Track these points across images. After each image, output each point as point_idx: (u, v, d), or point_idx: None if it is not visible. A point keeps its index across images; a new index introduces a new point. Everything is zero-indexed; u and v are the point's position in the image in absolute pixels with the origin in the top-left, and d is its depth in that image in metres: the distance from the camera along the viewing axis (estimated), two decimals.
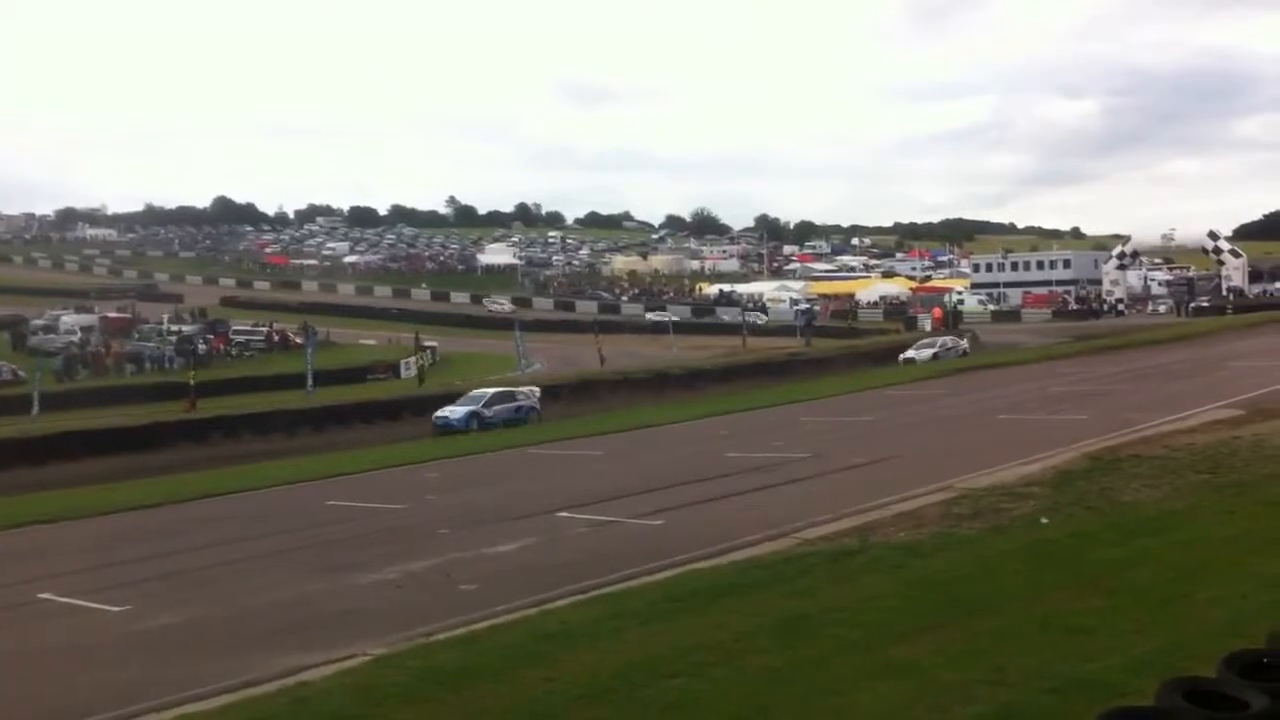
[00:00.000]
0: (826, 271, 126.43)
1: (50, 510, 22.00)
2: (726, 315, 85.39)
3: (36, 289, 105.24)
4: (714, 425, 28.79)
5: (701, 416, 31.03)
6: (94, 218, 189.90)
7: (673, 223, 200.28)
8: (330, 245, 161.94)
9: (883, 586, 9.97)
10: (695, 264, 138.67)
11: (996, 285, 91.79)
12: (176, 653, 10.59)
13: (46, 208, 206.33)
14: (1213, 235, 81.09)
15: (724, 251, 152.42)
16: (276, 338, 77.84)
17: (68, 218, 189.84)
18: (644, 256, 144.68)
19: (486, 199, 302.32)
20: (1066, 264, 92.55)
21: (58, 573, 15.18)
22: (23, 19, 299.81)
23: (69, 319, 79.66)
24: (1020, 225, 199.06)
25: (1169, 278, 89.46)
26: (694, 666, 8.02)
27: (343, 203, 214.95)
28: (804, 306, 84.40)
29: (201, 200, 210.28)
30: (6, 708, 9.13)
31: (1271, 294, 77.34)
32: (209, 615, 12.14)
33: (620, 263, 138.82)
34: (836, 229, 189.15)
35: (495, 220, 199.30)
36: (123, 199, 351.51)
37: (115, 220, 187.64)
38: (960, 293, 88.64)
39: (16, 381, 58.73)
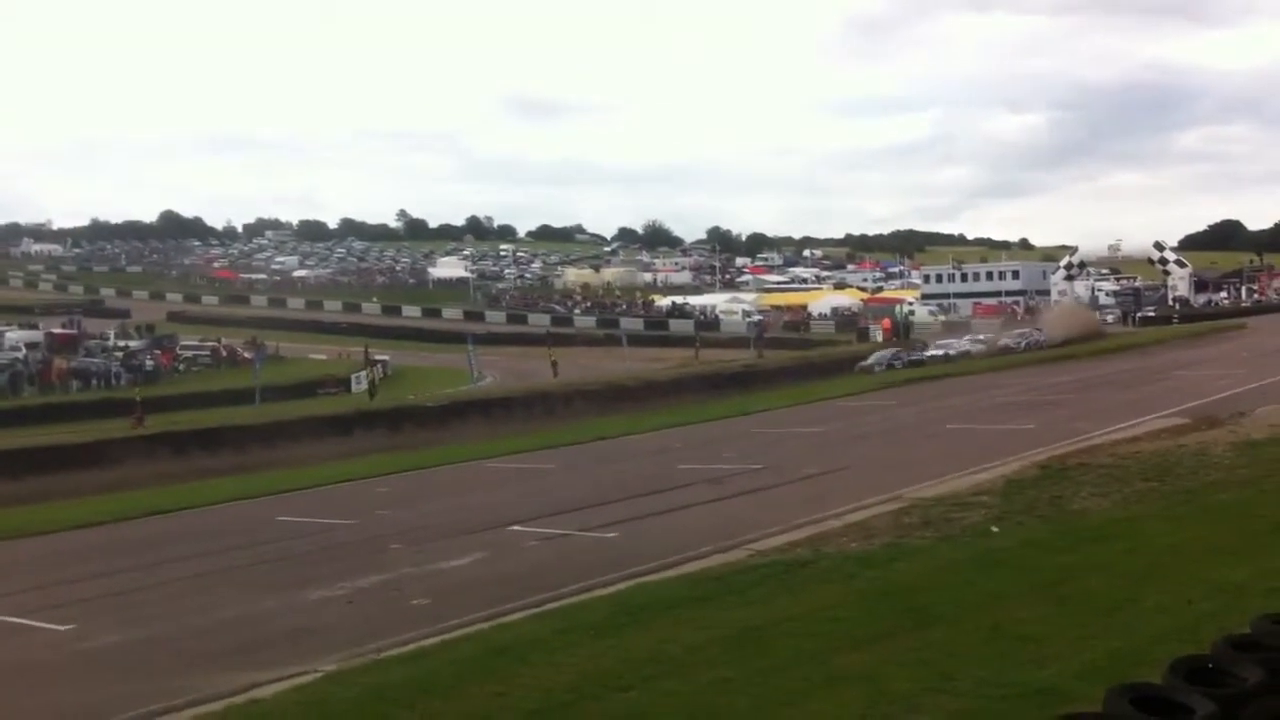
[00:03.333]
0: (779, 283, 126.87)
1: None
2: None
3: None
4: (667, 437, 28.84)
5: (655, 429, 31.06)
6: (39, 233, 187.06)
7: (625, 235, 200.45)
8: (279, 259, 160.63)
9: (835, 597, 10.01)
10: (648, 276, 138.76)
11: (947, 296, 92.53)
12: (124, 672, 10.43)
13: None
14: (1158, 246, 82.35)
15: (676, 264, 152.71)
16: (225, 353, 77.11)
17: (11, 233, 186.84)
18: (596, 269, 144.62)
19: (437, 213, 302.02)
20: (1015, 275, 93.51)
21: (1, 592, 14.91)
22: None
23: (13, 335, 78.34)
24: (970, 236, 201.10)
25: (1116, 288, 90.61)
26: (646, 679, 8.01)
27: (292, 216, 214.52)
28: (756, 318, 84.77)
29: (148, 215, 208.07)
30: None
31: (1216, 304, 78.66)
32: (157, 634, 11.96)
33: (573, 275, 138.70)
34: (788, 241, 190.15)
35: (447, 234, 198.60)
36: (68, 213, 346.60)
37: (60, 235, 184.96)
38: (911, 304, 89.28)
39: None
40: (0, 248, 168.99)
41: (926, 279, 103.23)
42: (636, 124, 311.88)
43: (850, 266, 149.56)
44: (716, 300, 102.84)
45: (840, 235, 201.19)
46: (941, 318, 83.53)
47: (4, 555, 18.92)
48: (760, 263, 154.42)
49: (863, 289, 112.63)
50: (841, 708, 7.02)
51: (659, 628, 9.51)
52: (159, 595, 14.21)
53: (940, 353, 51.18)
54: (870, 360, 50.56)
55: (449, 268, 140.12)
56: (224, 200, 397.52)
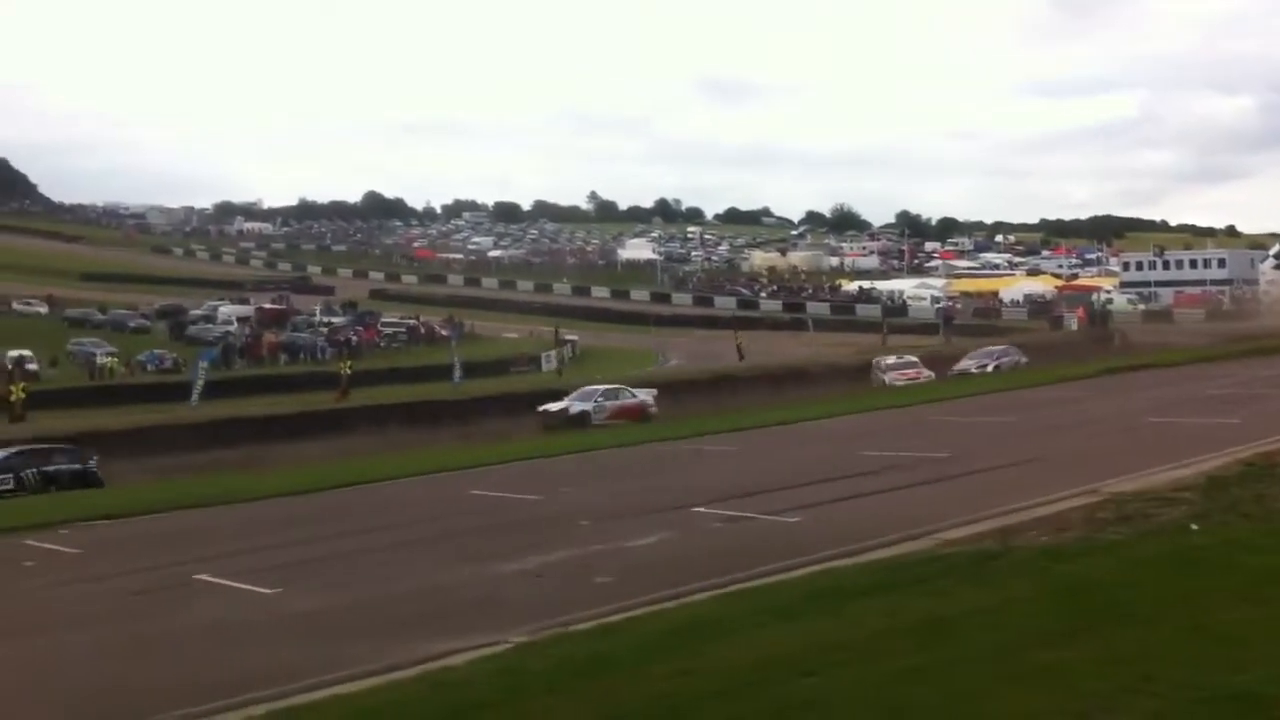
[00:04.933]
0: (969, 269, 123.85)
1: (205, 494, 22.95)
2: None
3: (195, 280, 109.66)
4: (851, 423, 28.54)
5: (838, 414, 30.76)
6: (250, 212, 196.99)
7: (812, 219, 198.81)
8: (475, 240, 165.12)
9: (1025, 590, 9.77)
10: (834, 260, 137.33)
11: (1147, 284, 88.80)
12: (324, 635, 10.92)
13: (205, 202, 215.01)
14: None
15: (864, 248, 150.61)
16: (423, 330, 79.65)
17: (225, 211, 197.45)
18: (783, 253, 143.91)
19: (627, 195, 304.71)
20: (1221, 263, 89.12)
21: (212, 555, 15.81)
22: (182, 24, 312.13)
23: (226, 309, 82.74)
24: (1173, 223, 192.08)
25: None
26: (830, 665, 7.97)
27: (488, 198, 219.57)
28: (944, 304, 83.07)
29: (353, 195, 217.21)
30: (167, 683, 9.52)
31: None
32: (355, 599, 12.48)
33: (759, 259, 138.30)
34: (979, 226, 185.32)
35: (635, 216, 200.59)
36: (278, 193, 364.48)
37: (270, 214, 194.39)
38: (1109, 292, 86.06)
39: (176, 370, 61.28)
40: (214, 226, 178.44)
41: (1125, 266, 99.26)
42: (826, 106, 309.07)
43: (1044, 252, 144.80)
44: (904, 285, 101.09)
45: (1034, 220, 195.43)
46: (1141, 306, 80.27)
47: (214, 520, 20.14)
48: (950, 248, 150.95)
49: (1057, 276, 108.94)
50: (1031, 704, 6.87)
51: (843, 614, 9.45)
52: (357, 562, 14.86)
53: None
54: (966, 363, 44.28)
55: (637, 249, 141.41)
56: (424, 182, 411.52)
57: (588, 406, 35.82)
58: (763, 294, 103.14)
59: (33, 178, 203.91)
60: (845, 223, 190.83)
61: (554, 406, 36.10)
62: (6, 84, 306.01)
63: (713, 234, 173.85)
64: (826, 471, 19.23)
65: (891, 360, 44.39)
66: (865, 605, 9.70)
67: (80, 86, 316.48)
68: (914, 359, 44.67)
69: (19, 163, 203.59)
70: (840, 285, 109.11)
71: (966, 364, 43.54)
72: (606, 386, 37.94)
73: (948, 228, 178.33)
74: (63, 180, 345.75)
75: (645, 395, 37.94)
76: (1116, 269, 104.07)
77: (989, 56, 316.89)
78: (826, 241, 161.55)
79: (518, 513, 17.93)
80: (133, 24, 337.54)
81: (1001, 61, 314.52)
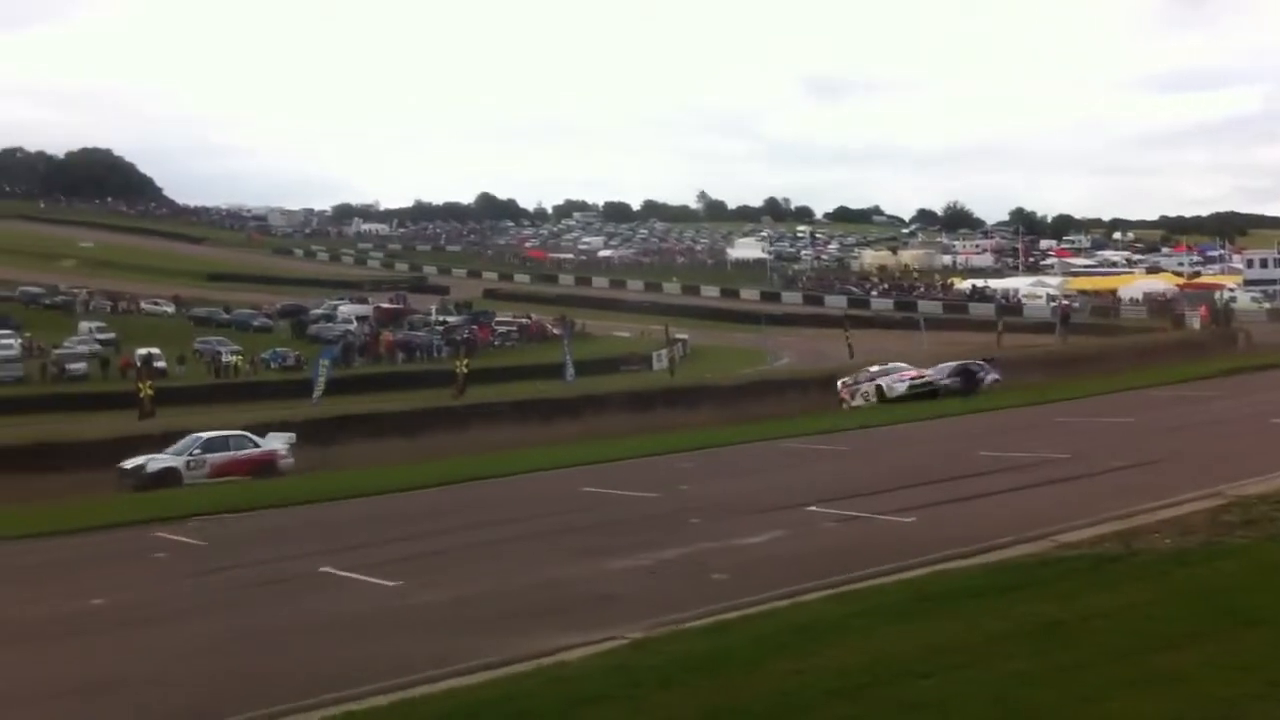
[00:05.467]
0: (1086, 267, 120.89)
1: (328, 489, 23.54)
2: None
3: (315, 280, 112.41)
4: (965, 423, 28.17)
5: (953, 414, 30.38)
6: (368, 213, 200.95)
7: (924, 217, 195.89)
8: (586, 240, 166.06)
9: (1147, 594, 9.60)
10: (947, 258, 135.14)
11: (1272, 282, 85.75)
12: (443, 628, 11.17)
13: (324, 204, 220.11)
14: None
15: (977, 246, 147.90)
16: (535, 329, 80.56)
17: (344, 213, 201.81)
18: (894, 251, 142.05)
19: (735, 194, 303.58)
20: None
21: (336, 548, 16.25)
22: (302, 31, 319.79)
23: (345, 309, 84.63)
24: None
25: None
26: (945, 667, 7.94)
27: (598, 198, 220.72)
28: (1060, 302, 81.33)
29: (466, 196, 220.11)
30: (292, 671, 9.84)
31: None
32: (471, 594, 12.73)
33: (869, 257, 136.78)
34: (1097, 223, 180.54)
35: (744, 215, 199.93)
36: (394, 195, 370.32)
37: (387, 215, 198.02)
38: (1232, 290, 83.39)
39: (298, 367, 62.90)
40: (333, 227, 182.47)
41: (1249, 264, 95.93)
42: (936, 103, 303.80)
43: (1164, 250, 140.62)
44: (1019, 283, 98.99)
45: (1154, 217, 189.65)
46: (1266, 305, 77.63)
47: (337, 514, 20.70)
48: (1067, 245, 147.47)
49: (1178, 274, 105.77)
50: (1154, 709, 6.78)
51: (959, 616, 9.40)
52: (474, 556, 15.17)
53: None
54: (877, 382, 37.10)
55: (747, 249, 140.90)
56: (535, 183, 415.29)
57: (177, 463, 28.03)
58: (873, 292, 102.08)
59: (159, 181, 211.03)
60: (958, 220, 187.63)
61: (133, 463, 27.79)
62: (134, 90, 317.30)
63: (822, 233, 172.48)
64: (942, 472, 19.05)
65: (874, 369, 38.06)
66: (981, 607, 9.63)
67: (204, 92, 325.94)
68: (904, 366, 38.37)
69: (146, 167, 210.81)
70: (953, 283, 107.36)
71: (897, 386, 36.14)
72: (211, 435, 29.20)
73: (1064, 225, 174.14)
74: (187, 184, 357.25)
75: (278, 442, 29.73)
76: (1240, 266, 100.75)
77: (1106, 49, 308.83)
78: (939, 239, 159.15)
79: (632, 509, 18.08)
80: (255, 31, 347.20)
81: (1119, 54, 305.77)
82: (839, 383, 38.98)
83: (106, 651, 11.20)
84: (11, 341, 68.74)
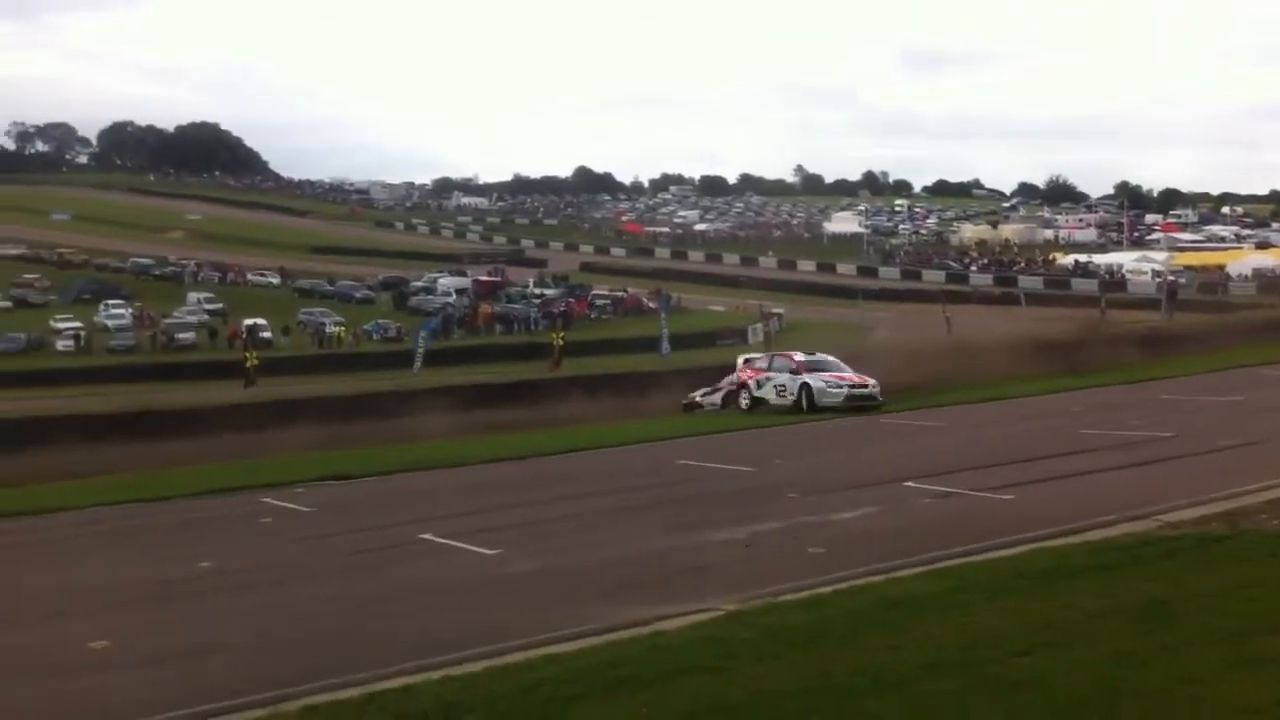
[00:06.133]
0: (1193, 242, 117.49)
1: (430, 458, 23.91)
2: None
3: (416, 253, 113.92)
4: (1064, 400, 27.71)
5: (1051, 391, 29.88)
6: (467, 187, 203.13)
7: (1025, 191, 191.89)
8: (681, 213, 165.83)
9: (1253, 575, 9.42)
10: (1049, 233, 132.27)
11: None
12: (540, 596, 11.30)
13: (425, 177, 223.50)
14: None
15: (1080, 220, 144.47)
16: (630, 303, 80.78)
17: (444, 187, 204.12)
18: (994, 225, 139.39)
19: (833, 168, 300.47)
20: None
21: (436, 516, 16.49)
22: (403, 6, 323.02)
23: (445, 281, 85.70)
24: None
25: None
26: (1044, 645, 7.89)
27: (694, 172, 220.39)
28: (1167, 278, 79.31)
29: (564, 170, 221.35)
30: (392, 635, 10.05)
31: None
32: (569, 563, 12.85)
33: (969, 232, 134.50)
34: (1205, 197, 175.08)
35: (841, 189, 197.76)
36: (493, 169, 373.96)
37: (486, 189, 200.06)
38: None
39: (399, 339, 63.95)
40: (433, 200, 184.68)
41: None
42: (1037, 74, 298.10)
43: (1275, 225, 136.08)
44: (1124, 259, 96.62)
45: (1264, 191, 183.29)
46: None
47: (438, 482, 21.05)
48: (1173, 220, 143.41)
49: None
50: (1259, 691, 6.68)
51: (1059, 594, 9.31)
52: (571, 527, 15.32)
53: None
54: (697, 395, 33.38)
55: (843, 223, 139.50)
56: (632, 156, 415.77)
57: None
58: (973, 268, 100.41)
59: (264, 155, 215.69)
60: (1060, 194, 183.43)
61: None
62: (242, 66, 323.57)
63: (921, 207, 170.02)
64: (1043, 449, 18.78)
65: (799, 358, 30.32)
66: (1082, 586, 9.53)
67: (308, 69, 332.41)
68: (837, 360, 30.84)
69: (252, 141, 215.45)
70: (1055, 258, 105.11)
71: (832, 392, 28.74)
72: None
73: (1170, 199, 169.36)
74: (292, 158, 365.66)
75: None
76: None
77: (1214, 17, 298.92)
78: (1040, 214, 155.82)
79: (727, 483, 18.10)
80: (359, 9, 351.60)
81: (1228, 22, 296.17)
82: (740, 359, 32.56)
83: (213, 614, 11.51)
84: (123, 311, 70.94)
